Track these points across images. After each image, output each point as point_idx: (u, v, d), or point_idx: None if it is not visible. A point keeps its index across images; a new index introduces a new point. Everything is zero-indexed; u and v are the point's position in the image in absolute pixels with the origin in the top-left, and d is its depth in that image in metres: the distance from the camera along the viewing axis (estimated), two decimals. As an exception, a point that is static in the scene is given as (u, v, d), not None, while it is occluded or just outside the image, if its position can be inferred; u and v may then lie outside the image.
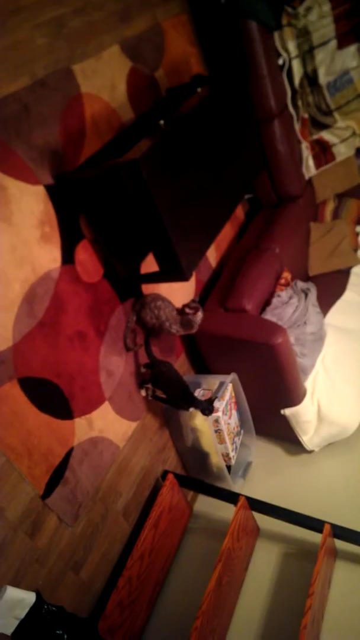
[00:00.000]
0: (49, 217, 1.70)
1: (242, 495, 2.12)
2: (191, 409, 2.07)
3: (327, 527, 1.92)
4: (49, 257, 1.71)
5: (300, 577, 2.06)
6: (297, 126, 2.91)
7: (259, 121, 2.68)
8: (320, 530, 1.94)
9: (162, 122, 1.76)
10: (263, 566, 2.17)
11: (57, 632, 1.62)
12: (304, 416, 2.37)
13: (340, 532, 1.96)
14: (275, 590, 2.09)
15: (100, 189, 1.66)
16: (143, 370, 2.19)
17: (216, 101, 2.03)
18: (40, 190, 1.67)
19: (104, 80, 1.97)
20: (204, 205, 1.90)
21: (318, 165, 3.04)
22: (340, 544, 2.06)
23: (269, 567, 2.16)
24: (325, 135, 3.09)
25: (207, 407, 2.03)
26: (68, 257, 1.78)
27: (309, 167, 3.02)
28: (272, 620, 2.00)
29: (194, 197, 1.82)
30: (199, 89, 2.12)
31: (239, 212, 3.10)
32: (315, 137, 3.07)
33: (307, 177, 3.03)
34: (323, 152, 3.05)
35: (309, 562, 2.08)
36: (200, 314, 2.09)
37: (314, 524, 1.98)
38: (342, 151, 3.07)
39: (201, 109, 1.91)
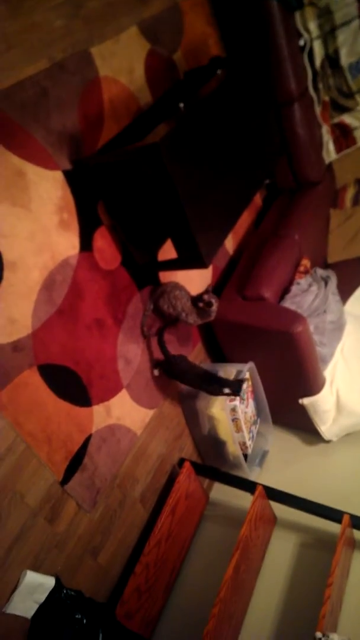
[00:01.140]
0: (67, 204, 1.68)
1: (260, 484, 2.11)
2: (225, 390, 2.03)
3: (346, 518, 1.90)
4: (68, 244, 1.70)
5: (318, 567, 2.05)
6: (317, 109, 2.84)
7: (278, 104, 2.62)
8: (339, 521, 1.92)
9: (181, 105, 1.72)
10: (280, 555, 2.17)
11: (76, 616, 1.64)
12: (323, 406, 2.34)
13: (359, 523, 1.94)
14: (292, 579, 2.09)
15: (119, 174, 1.64)
16: (156, 371, 2.17)
17: (235, 84, 1.98)
18: (58, 175, 1.65)
19: (122, 63, 1.94)
20: (223, 191, 1.86)
21: (338, 149, 2.97)
22: (358, 535, 2.05)
23: (287, 556, 2.16)
24: (347, 118, 3.00)
25: (237, 387, 2.01)
26: (86, 244, 1.76)
27: (329, 152, 2.95)
28: (290, 609, 2.00)
29: (213, 183, 1.79)
30: (218, 72, 2.07)
31: (257, 198, 3.05)
32: (336, 120, 2.99)
33: (327, 161, 2.96)
34: (344, 135, 2.97)
35: (327, 552, 2.07)
36: (215, 302, 2.06)
37: (332, 514, 1.96)
38: (364, 135, 2.99)
39: (220, 92, 1.86)
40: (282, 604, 2.03)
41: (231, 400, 2.26)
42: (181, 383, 2.17)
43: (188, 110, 1.64)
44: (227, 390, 2.04)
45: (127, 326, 2.00)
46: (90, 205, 1.77)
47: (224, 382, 2.04)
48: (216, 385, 2.04)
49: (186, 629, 2.02)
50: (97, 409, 1.88)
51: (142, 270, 2.02)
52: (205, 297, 2.03)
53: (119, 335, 1.95)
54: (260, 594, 2.08)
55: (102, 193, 1.76)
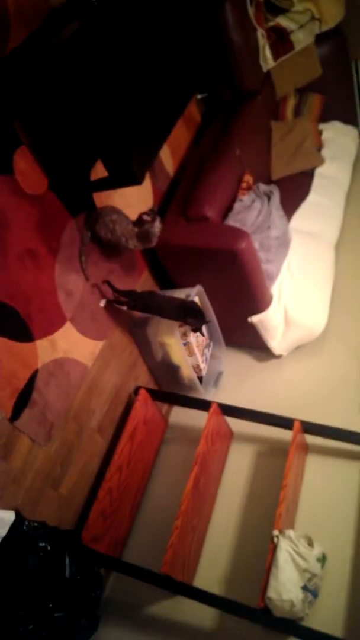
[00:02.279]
0: (-22, 122, 1.53)
1: (214, 401, 2.15)
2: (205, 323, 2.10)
3: (296, 423, 1.97)
4: (-16, 168, 1.56)
5: (274, 473, 2.14)
6: (251, 11, 2.65)
7: (207, 4, 2.41)
8: (290, 427, 1.99)
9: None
10: (238, 466, 2.25)
11: (40, 544, 1.66)
12: (272, 322, 2.36)
13: (309, 427, 2.01)
14: (251, 487, 2.18)
15: (31, 82, 1.48)
16: (103, 302, 2.12)
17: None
18: None
19: None
20: (150, 99, 1.73)
21: (276, 55, 2.81)
22: (310, 439, 2.14)
23: (245, 466, 2.25)
24: (282, 21, 2.83)
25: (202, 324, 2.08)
26: (5, 166, 1.62)
27: (267, 58, 2.79)
28: (250, 514, 2.11)
29: (138, 90, 1.65)
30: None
31: (195, 113, 2.89)
32: (271, 23, 2.81)
33: (264, 69, 2.81)
34: (281, 40, 2.81)
35: (282, 458, 2.15)
36: (158, 223, 1.99)
37: (284, 422, 2.03)
38: (301, 38, 2.84)
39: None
40: (242, 511, 2.13)
41: (181, 326, 2.24)
42: (160, 317, 2.13)
43: (101, 3, 1.47)
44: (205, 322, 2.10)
45: (64, 256, 1.90)
46: (6, 122, 1.61)
47: (200, 312, 2.06)
48: (197, 315, 2.05)
49: (154, 544, 2.09)
50: (41, 344, 1.82)
51: (73, 194, 1.90)
52: (150, 211, 1.94)
53: (55, 265, 1.86)
54: (222, 504, 2.18)
55: (16, 109, 1.60)
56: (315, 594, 1.76)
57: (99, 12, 1.45)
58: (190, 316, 2.06)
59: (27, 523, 1.68)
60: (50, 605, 1.67)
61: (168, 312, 2.08)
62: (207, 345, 2.50)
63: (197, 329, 2.14)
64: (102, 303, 2.12)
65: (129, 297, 2.10)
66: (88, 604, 1.84)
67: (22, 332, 1.73)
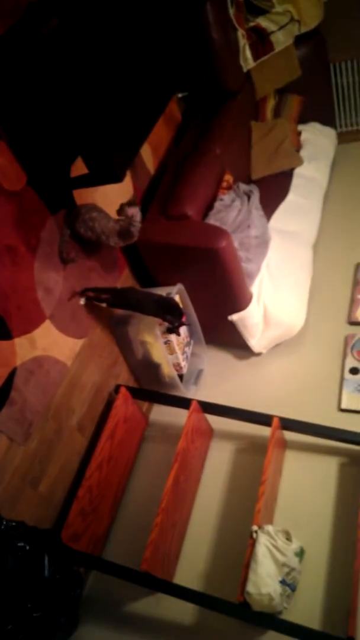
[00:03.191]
0: None
1: (194, 399, 2.16)
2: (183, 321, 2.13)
3: (275, 420, 2.00)
4: None
5: (253, 469, 2.16)
6: (231, 11, 2.67)
7: (191, 3, 2.42)
8: (269, 424, 2.01)
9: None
10: (218, 463, 2.27)
11: (19, 544, 1.64)
12: (251, 320, 2.38)
13: (288, 424, 2.04)
14: (231, 483, 2.20)
15: (8, 78, 1.46)
16: (82, 300, 2.12)
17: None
18: None
19: None
20: (131, 97, 1.72)
21: (256, 56, 2.84)
22: (289, 436, 2.16)
23: (224, 463, 2.26)
24: (263, 22, 2.86)
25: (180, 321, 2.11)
26: (-16, 162, 1.60)
27: (247, 59, 2.81)
28: (229, 511, 2.13)
29: (119, 87, 1.64)
30: None
31: (175, 112, 2.89)
32: (251, 24, 2.84)
33: (245, 69, 2.83)
34: (261, 41, 2.83)
35: (261, 455, 2.18)
36: (138, 217, 1.98)
37: (263, 419, 2.05)
38: (281, 39, 2.87)
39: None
40: (222, 507, 2.14)
41: (161, 324, 2.24)
42: (140, 313, 2.13)
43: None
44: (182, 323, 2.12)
45: (43, 253, 1.89)
46: (-17, 117, 1.59)
47: (179, 310, 2.06)
48: (175, 313, 2.06)
49: (134, 541, 2.10)
50: (20, 342, 1.80)
51: (52, 191, 1.88)
52: (132, 202, 1.95)
53: (34, 262, 1.84)
54: (202, 500, 2.19)
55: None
56: (293, 588, 1.78)
57: (78, 7, 1.44)
58: (170, 313, 2.07)
59: (5, 522, 1.66)
60: (29, 605, 1.66)
61: (147, 308, 2.08)
62: (188, 344, 2.51)
63: (172, 330, 2.15)
64: (82, 301, 2.11)
65: (110, 294, 2.10)
66: (67, 603, 1.83)
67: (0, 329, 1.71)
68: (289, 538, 1.84)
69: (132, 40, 1.73)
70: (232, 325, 2.43)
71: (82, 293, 2.08)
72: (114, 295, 2.10)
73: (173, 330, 2.14)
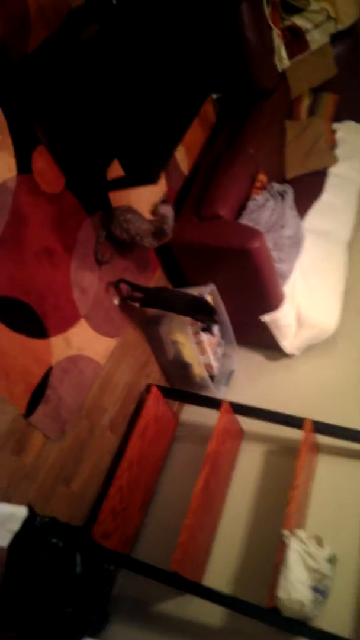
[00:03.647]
0: (-3, 121, 1.53)
1: (225, 400, 2.15)
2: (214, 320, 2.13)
3: (308, 423, 1.97)
4: (3, 167, 1.56)
5: (285, 472, 2.14)
6: (267, 10, 2.64)
7: (225, 3, 2.41)
8: (301, 427, 1.99)
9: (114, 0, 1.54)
10: (249, 465, 2.26)
11: (52, 540, 1.67)
12: (284, 321, 2.36)
13: (321, 427, 2.01)
14: (261, 486, 2.18)
15: (51, 82, 1.49)
16: (116, 300, 2.14)
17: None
18: (-17, 88, 1.49)
19: None
20: (167, 99, 1.73)
21: (291, 55, 2.80)
22: (321, 439, 2.13)
23: (255, 466, 2.25)
24: (298, 20, 2.83)
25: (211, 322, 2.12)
26: (24, 165, 1.63)
27: (282, 58, 2.78)
28: (260, 514, 2.11)
29: (155, 89, 1.65)
30: None
31: (210, 113, 2.89)
32: (287, 23, 2.81)
33: (280, 68, 2.80)
34: (296, 40, 2.80)
35: (292, 458, 2.15)
36: (171, 214, 1.99)
37: (295, 422, 2.03)
38: (317, 38, 2.83)
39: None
40: (252, 510, 2.13)
41: (193, 324, 2.25)
42: (172, 312, 2.15)
43: (120, 3, 1.48)
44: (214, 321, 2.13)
45: (79, 253, 1.91)
46: (25, 122, 1.62)
47: (212, 309, 2.07)
48: (207, 312, 2.07)
49: (164, 542, 2.10)
50: (56, 341, 1.83)
51: (89, 193, 1.91)
52: (160, 209, 1.96)
53: (71, 263, 1.87)
54: (232, 503, 2.18)
55: (36, 108, 1.61)
56: (324, 595, 1.76)
57: (118, 13, 1.45)
58: (201, 313, 2.07)
59: (39, 519, 1.69)
60: (61, 601, 1.68)
61: (179, 307, 2.08)
62: (219, 344, 2.50)
63: (206, 329, 2.16)
64: (116, 301, 2.13)
65: (142, 292, 2.11)
66: (98, 600, 1.85)
67: (36, 328, 1.74)
68: (320, 544, 1.81)
69: (168, 44, 1.74)
70: (264, 326, 2.41)
71: (117, 284, 2.09)
72: (146, 294, 2.12)
73: (208, 329, 2.14)
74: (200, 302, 2.08)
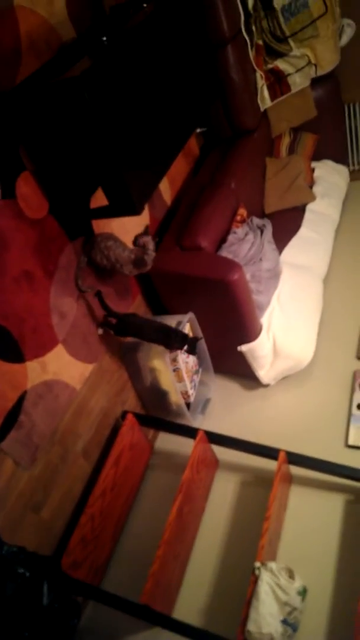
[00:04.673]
0: (-16, 146, 1.57)
1: (201, 429, 2.15)
2: (185, 346, 2.13)
3: (282, 454, 1.99)
4: (-13, 191, 1.59)
5: (258, 503, 2.14)
6: (251, 53, 2.77)
7: (211, 46, 2.52)
8: (275, 458, 2.00)
9: (104, 38, 1.61)
10: (222, 495, 2.25)
11: (19, 570, 1.63)
12: (260, 351, 2.39)
13: (294, 459, 2.03)
14: (234, 516, 2.18)
15: (38, 113, 1.53)
16: (100, 330, 2.15)
17: (163, 18, 1.87)
18: (-29, 115, 1.52)
19: (39, -8, 1.78)
20: (153, 133, 1.79)
21: (273, 96, 2.93)
22: (295, 470, 2.15)
23: (228, 495, 2.24)
24: (281, 64, 2.96)
25: (193, 347, 2.13)
26: (8, 190, 1.66)
27: (264, 98, 2.90)
28: (232, 544, 2.10)
29: (142, 124, 1.71)
30: (145, 5, 1.96)
31: (194, 146, 2.98)
32: (270, 66, 2.94)
33: (262, 108, 2.92)
34: (278, 82, 2.93)
35: (266, 488, 2.16)
36: (152, 246, 2.03)
37: (269, 452, 2.04)
38: (298, 81, 2.96)
39: (146, 26, 1.76)
40: (225, 540, 2.12)
41: (172, 352, 2.26)
42: (140, 339, 2.16)
43: (111, 43, 1.54)
44: (185, 347, 2.11)
45: (60, 278, 1.93)
46: (11, 148, 1.65)
47: (181, 336, 2.08)
48: (176, 339, 2.08)
49: (135, 572, 2.07)
50: (31, 365, 1.82)
51: (72, 220, 1.94)
52: (145, 234, 2.00)
53: (51, 288, 1.88)
54: (205, 533, 2.16)
55: (22, 136, 1.65)
56: (295, 628, 1.74)
57: (108, 50, 1.51)
58: (170, 339, 2.08)
59: (5, 547, 1.66)
60: (26, 634, 1.63)
61: (148, 334, 2.10)
62: (196, 372, 2.52)
63: (189, 351, 2.16)
64: (100, 331, 2.14)
65: (113, 316, 2.11)
66: (64, 633, 1.80)
67: (13, 352, 1.73)
68: (291, 576, 1.81)
69: (156, 80, 1.81)
70: (241, 356, 2.45)
71: (96, 294, 2.08)
72: (116, 317, 2.11)
73: (191, 351, 2.16)
74: (169, 330, 2.09)
